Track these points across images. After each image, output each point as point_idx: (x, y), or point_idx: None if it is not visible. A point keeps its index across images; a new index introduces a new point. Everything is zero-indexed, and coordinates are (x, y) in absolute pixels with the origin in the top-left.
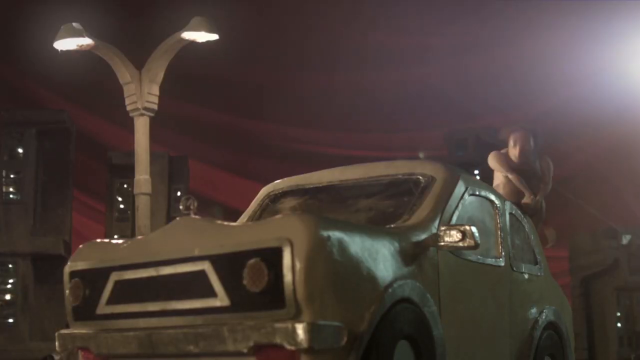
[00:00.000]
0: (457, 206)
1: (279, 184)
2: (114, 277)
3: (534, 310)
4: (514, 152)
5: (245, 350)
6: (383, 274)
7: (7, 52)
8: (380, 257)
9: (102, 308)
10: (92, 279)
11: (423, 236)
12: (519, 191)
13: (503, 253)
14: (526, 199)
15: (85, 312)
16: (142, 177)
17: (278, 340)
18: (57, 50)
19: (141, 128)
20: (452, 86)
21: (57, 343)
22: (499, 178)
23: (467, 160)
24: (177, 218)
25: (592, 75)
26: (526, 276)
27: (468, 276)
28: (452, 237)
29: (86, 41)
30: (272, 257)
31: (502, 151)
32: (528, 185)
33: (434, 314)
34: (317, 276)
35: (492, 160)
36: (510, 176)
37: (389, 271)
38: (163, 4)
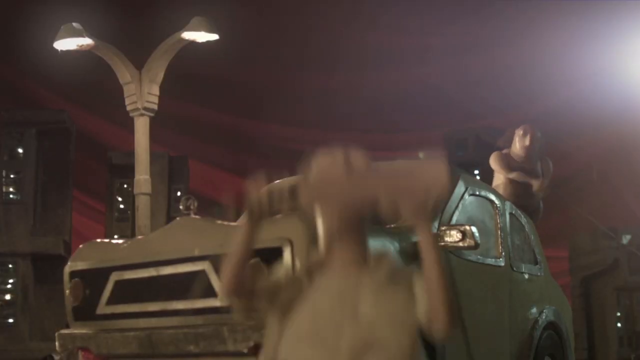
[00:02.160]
0: (457, 206)
1: (279, 184)
2: (114, 277)
3: (534, 310)
4: (523, 141)
5: (245, 350)
6: None
7: (7, 52)
8: None
9: (103, 308)
10: (92, 279)
11: None
12: (519, 192)
13: (503, 253)
14: (536, 187)
15: (85, 312)
16: (142, 177)
17: None
18: (57, 50)
19: (141, 128)
20: (452, 86)
21: (57, 343)
22: (499, 178)
23: (467, 160)
24: (177, 218)
25: (592, 75)
26: (526, 276)
27: (468, 276)
28: (452, 237)
29: (86, 41)
30: (272, 257)
31: (504, 151)
32: (525, 186)
33: None
34: None
35: (493, 162)
36: (512, 175)
37: None
38: (163, 4)
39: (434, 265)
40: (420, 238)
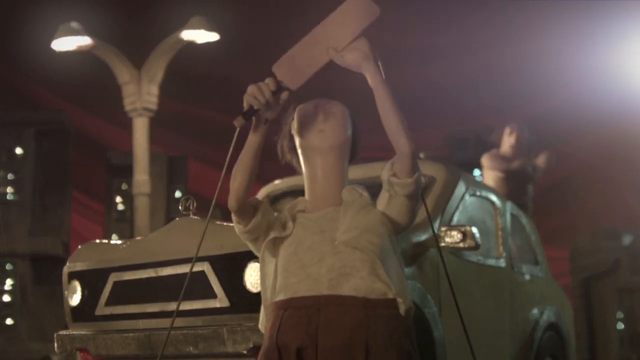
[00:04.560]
0: (457, 207)
1: (278, 185)
2: (113, 277)
3: (534, 311)
4: (509, 140)
5: (244, 352)
6: None
7: (6, 51)
8: None
9: (101, 309)
10: (91, 279)
11: (423, 237)
12: (511, 191)
13: (504, 254)
14: (541, 160)
15: (84, 313)
16: (141, 177)
17: None
18: (55, 50)
19: (140, 128)
20: (453, 86)
21: (55, 344)
22: (489, 178)
23: (467, 160)
24: (177, 218)
25: (592, 75)
26: (527, 277)
27: (469, 277)
28: (453, 237)
29: (85, 41)
30: None
31: (494, 152)
32: (519, 183)
33: (434, 315)
34: None
35: (487, 161)
36: (514, 165)
37: None
38: (163, 4)
39: (387, 94)
40: (368, 75)
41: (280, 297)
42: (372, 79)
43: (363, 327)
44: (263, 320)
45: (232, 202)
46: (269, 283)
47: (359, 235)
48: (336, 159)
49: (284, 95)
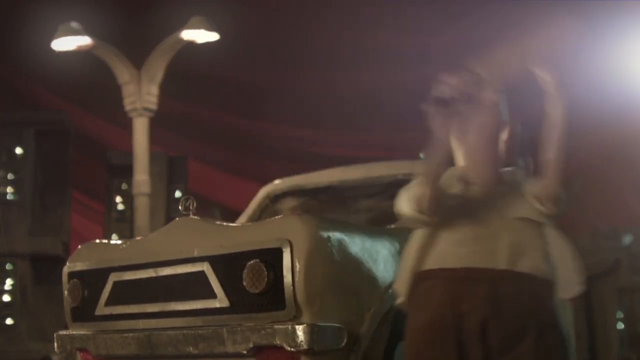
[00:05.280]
0: None
1: (278, 185)
2: (113, 277)
3: None
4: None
5: (244, 352)
6: (383, 275)
7: (6, 51)
8: (380, 257)
9: (101, 309)
10: (91, 279)
11: None
12: None
13: None
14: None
15: (84, 313)
16: (141, 177)
17: (278, 341)
18: (55, 50)
19: (140, 128)
20: None
21: (55, 344)
22: None
23: None
24: (177, 218)
25: (592, 75)
26: None
27: None
28: None
29: (85, 40)
30: (271, 258)
31: None
32: None
33: None
34: (317, 277)
35: None
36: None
37: (389, 272)
38: (163, 4)
39: (562, 129)
40: (556, 101)
41: (448, 264)
42: (556, 107)
43: (537, 304)
44: (403, 287)
45: (430, 206)
46: (413, 249)
47: (528, 213)
48: (491, 135)
49: (487, 94)
